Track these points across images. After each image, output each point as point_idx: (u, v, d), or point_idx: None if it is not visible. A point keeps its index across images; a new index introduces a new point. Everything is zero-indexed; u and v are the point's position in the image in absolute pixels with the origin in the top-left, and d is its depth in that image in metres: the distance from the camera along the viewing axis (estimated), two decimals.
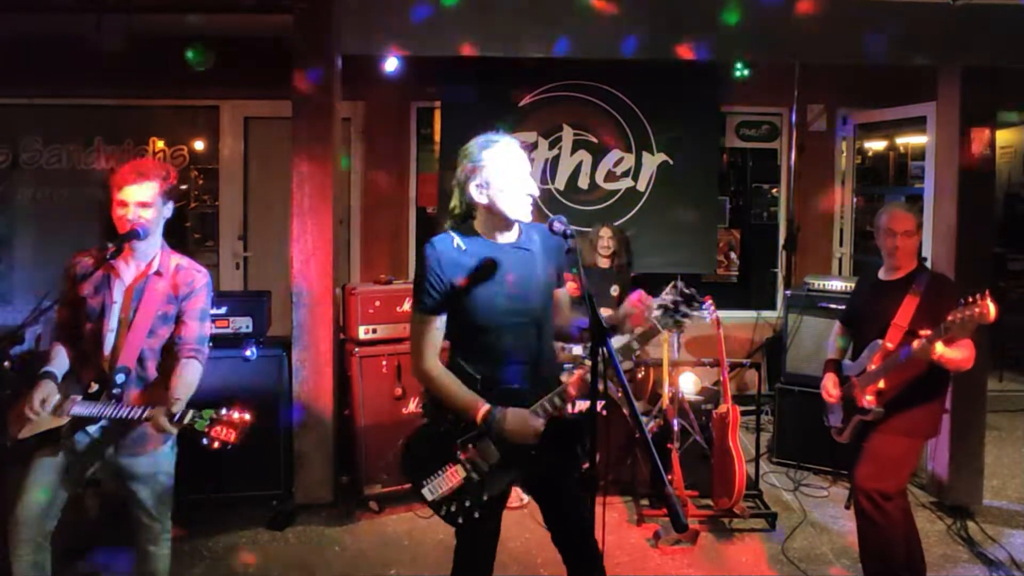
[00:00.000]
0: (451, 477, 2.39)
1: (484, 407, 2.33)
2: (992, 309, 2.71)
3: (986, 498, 4.42)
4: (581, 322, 2.49)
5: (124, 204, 2.64)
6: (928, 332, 2.90)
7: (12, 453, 2.60)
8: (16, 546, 2.55)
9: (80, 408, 2.61)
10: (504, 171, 2.33)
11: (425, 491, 2.42)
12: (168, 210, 2.76)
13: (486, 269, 2.36)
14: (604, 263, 5.19)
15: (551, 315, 2.52)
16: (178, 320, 2.74)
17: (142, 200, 2.65)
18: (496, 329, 2.38)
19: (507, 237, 2.42)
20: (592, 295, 2.12)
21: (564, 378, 2.41)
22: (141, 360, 2.68)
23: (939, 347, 2.87)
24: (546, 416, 2.35)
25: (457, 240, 2.40)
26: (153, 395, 2.67)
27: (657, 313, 2.33)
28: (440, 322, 2.40)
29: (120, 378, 2.62)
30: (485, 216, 2.41)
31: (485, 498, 2.38)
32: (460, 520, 2.40)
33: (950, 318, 2.80)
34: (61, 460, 2.65)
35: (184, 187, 6.13)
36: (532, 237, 2.46)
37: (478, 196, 2.37)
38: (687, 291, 2.33)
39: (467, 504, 2.38)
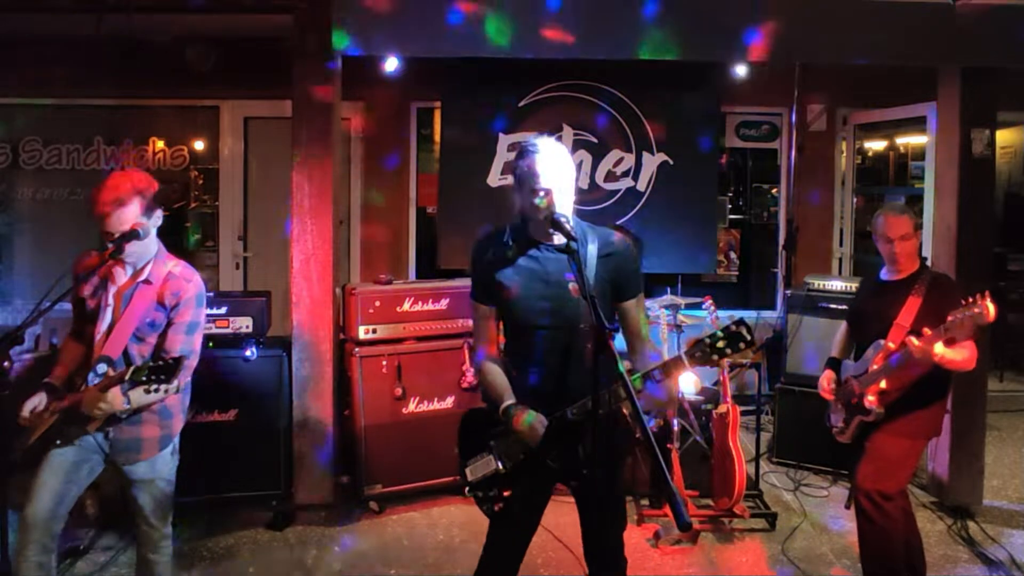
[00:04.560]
0: (486, 464, 2.46)
1: (506, 402, 2.38)
2: (992, 310, 2.72)
3: (986, 498, 4.42)
4: (654, 356, 2.47)
5: (110, 234, 2.59)
6: (929, 332, 2.90)
7: (21, 459, 2.61)
8: (23, 547, 2.56)
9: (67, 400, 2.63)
10: (527, 172, 2.34)
11: (468, 471, 2.49)
12: (157, 219, 2.71)
13: (521, 267, 2.39)
14: None
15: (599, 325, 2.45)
16: (166, 331, 2.71)
17: (126, 228, 2.58)
18: (527, 329, 2.41)
19: (553, 240, 2.39)
20: (594, 296, 2.11)
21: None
22: (130, 363, 2.65)
23: (939, 348, 2.86)
24: (559, 425, 2.34)
25: (507, 235, 2.45)
26: None
27: (687, 350, 2.26)
28: (488, 311, 2.49)
29: (101, 367, 2.59)
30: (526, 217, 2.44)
31: (507, 494, 2.41)
32: (485, 508, 2.47)
33: (950, 318, 2.81)
34: (68, 463, 2.66)
35: (176, 185, 6.15)
36: (586, 243, 2.41)
37: (519, 202, 2.41)
38: (734, 330, 2.15)
39: (492, 494, 2.43)
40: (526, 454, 2.38)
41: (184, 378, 2.71)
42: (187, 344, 2.71)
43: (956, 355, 2.91)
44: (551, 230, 2.34)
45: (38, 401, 2.64)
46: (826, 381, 3.35)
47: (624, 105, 6.05)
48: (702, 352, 2.18)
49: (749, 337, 2.13)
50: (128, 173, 2.68)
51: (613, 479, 2.48)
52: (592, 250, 2.41)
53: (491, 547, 2.56)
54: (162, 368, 2.43)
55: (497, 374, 2.46)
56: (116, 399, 2.52)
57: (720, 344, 2.15)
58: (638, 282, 2.49)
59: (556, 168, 2.34)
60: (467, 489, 2.50)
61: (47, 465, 2.64)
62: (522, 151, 2.38)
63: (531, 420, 2.32)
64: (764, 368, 5.78)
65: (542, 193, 2.32)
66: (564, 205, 2.35)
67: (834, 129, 6.36)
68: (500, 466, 2.43)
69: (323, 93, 4.15)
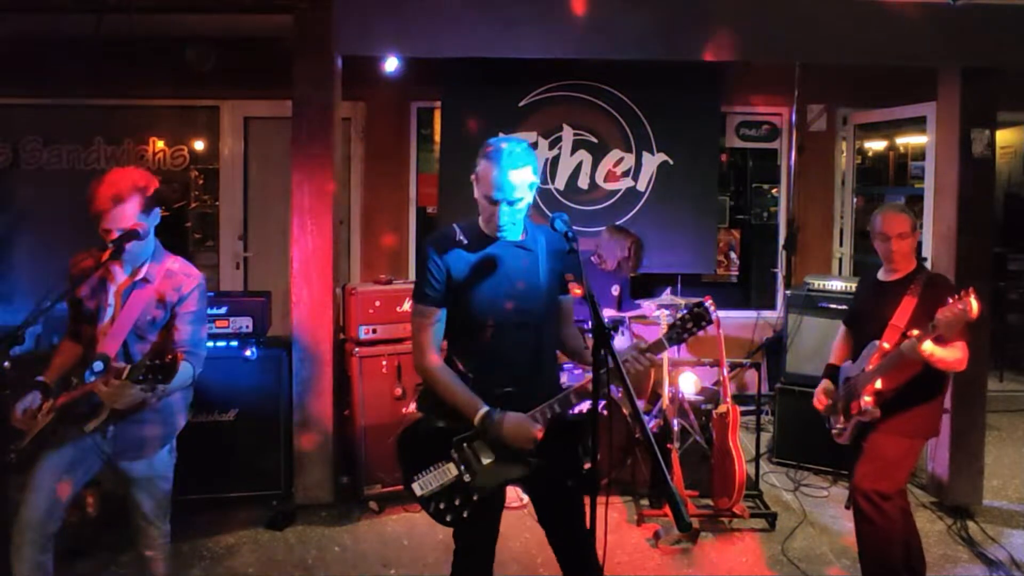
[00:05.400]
0: (443, 474, 2.39)
1: (483, 408, 2.33)
2: (974, 306, 2.72)
3: (986, 498, 4.42)
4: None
5: (108, 231, 2.59)
6: (918, 332, 2.90)
7: (17, 460, 2.60)
8: (20, 547, 2.56)
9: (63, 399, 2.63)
10: (485, 176, 2.33)
11: (415, 486, 2.41)
12: (155, 217, 2.71)
13: (481, 264, 2.37)
14: (611, 266, 5.16)
15: (554, 320, 2.49)
16: (172, 325, 2.72)
17: (125, 225, 2.58)
18: (490, 327, 2.38)
19: (508, 235, 2.40)
20: (594, 296, 2.12)
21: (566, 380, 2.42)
22: (130, 361, 2.65)
23: (928, 346, 2.86)
24: (544, 422, 2.34)
25: (459, 234, 2.42)
26: None
27: (665, 333, 2.34)
28: (440, 315, 2.41)
29: (98, 366, 2.58)
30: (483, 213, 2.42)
31: (475, 499, 2.38)
32: (448, 519, 2.41)
33: (938, 316, 2.81)
34: (64, 463, 2.66)
35: (176, 185, 6.18)
36: (537, 238, 2.44)
37: (475, 192, 2.41)
38: (697, 309, 2.32)
39: (456, 503, 2.38)
40: (499, 457, 2.36)
41: (198, 368, 2.73)
42: (195, 333, 2.74)
43: (947, 354, 2.91)
44: (553, 229, 2.35)
45: (29, 401, 2.63)
46: (821, 392, 3.36)
47: (624, 105, 6.05)
48: (677, 333, 2.35)
49: (708, 315, 2.32)
50: (127, 170, 2.67)
51: (581, 472, 2.47)
52: (542, 244, 2.43)
53: (464, 555, 2.51)
54: (159, 367, 2.43)
55: (457, 381, 2.38)
56: (135, 388, 2.48)
57: (689, 324, 2.33)
58: (581, 276, 2.45)
59: (514, 180, 2.30)
60: (422, 504, 2.42)
61: (42, 465, 2.63)
62: (485, 150, 2.35)
63: (521, 423, 2.31)
64: (764, 368, 5.78)
65: (496, 203, 2.33)
66: (515, 213, 2.35)
67: (834, 129, 6.35)
68: (465, 474, 2.38)
69: (323, 93, 4.16)
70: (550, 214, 2.37)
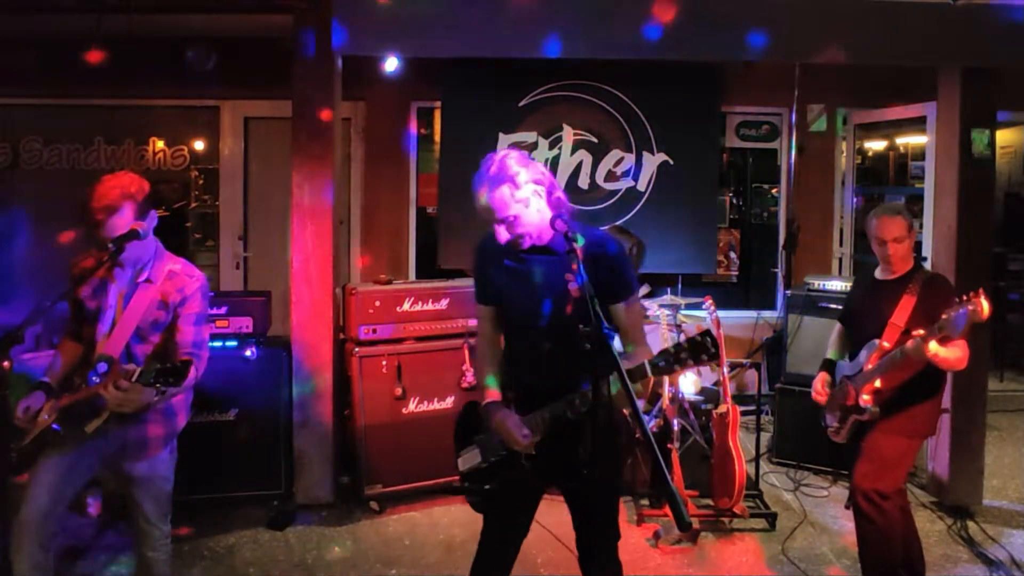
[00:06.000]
0: (473, 457, 2.52)
1: (486, 400, 2.44)
2: (986, 307, 2.71)
3: (986, 498, 4.42)
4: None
5: (107, 239, 2.60)
6: (923, 331, 2.90)
7: (17, 460, 2.61)
8: (19, 547, 2.56)
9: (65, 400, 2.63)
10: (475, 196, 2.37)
11: (460, 460, 2.56)
12: (151, 220, 2.71)
13: (506, 269, 2.44)
14: None
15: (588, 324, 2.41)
16: (175, 326, 2.72)
17: (118, 233, 2.59)
18: (517, 329, 2.49)
19: (531, 240, 2.40)
20: (594, 296, 2.11)
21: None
22: (132, 362, 2.66)
23: (933, 346, 2.86)
24: (539, 428, 2.35)
25: (496, 239, 2.46)
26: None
27: (651, 359, 2.22)
28: (485, 312, 2.57)
29: (102, 367, 2.60)
30: None
31: (486, 487, 2.47)
32: (470, 501, 2.56)
33: (944, 316, 2.81)
34: (64, 462, 2.66)
35: (176, 185, 6.20)
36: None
37: None
38: (698, 340, 2.14)
39: (475, 488, 2.50)
40: (506, 451, 2.42)
41: (201, 368, 2.72)
42: (198, 335, 2.75)
43: (949, 354, 2.91)
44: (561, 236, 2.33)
45: (31, 401, 2.63)
46: (819, 384, 3.36)
47: (624, 105, 6.05)
48: (665, 362, 2.19)
49: (713, 350, 2.13)
50: (117, 177, 2.66)
51: (598, 480, 2.40)
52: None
53: (481, 544, 2.59)
54: (170, 371, 2.44)
55: (487, 371, 2.53)
56: (143, 391, 2.50)
57: (683, 355, 2.16)
58: (628, 283, 2.41)
59: (493, 202, 2.31)
60: (461, 479, 2.56)
61: (43, 465, 2.64)
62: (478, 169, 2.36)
63: (507, 423, 2.35)
64: (764, 368, 5.78)
65: (496, 223, 2.36)
66: (516, 226, 2.34)
67: (834, 129, 6.36)
68: (482, 460, 2.49)
69: (323, 93, 4.16)
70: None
